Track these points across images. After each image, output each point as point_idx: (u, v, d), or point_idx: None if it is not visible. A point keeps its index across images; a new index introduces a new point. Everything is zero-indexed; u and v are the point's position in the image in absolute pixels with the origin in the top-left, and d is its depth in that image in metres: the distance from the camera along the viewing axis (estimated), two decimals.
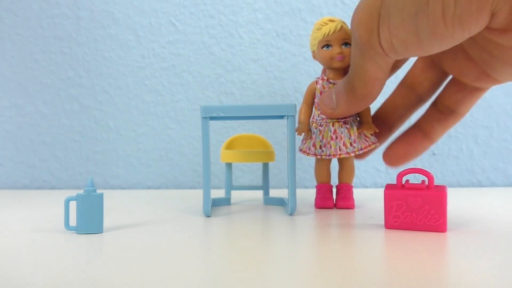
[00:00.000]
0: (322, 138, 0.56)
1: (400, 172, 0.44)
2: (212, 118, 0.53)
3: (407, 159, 0.53)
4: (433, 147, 0.80)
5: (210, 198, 0.53)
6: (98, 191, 0.45)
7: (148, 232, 0.44)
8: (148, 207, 0.60)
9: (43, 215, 0.54)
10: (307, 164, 0.81)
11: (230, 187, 0.63)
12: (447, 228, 0.43)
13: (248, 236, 0.43)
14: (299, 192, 0.66)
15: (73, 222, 0.44)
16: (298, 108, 0.60)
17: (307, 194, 0.65)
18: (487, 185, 0.80)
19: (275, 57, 0.82)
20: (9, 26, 0.86)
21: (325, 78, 0.57)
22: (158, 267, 0.32)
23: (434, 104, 0.53)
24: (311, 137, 0.57)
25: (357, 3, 0.81)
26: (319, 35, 0.56)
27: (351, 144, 0.55)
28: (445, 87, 0.51)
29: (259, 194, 0.70)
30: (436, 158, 0.81)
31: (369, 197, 0.67)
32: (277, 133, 0.82)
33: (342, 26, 0.55)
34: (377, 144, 0.56)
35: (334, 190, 0.59)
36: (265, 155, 0.60)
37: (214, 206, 0.59)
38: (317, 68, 0.81)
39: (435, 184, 0.45)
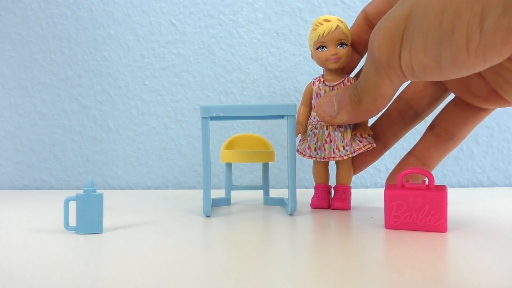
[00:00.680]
0: (317, 141, 0.56)
1: (400, 172, 0.44)
2: (212, 118, 0.53)
3: None
4: None
5: (210, 198, 0.53)
6: (98, 191, 0.45)
7: (148, 232, 0.44)
8: (148, 207, 0.59)
9: (42, 215, 0.54)
10: (307, 164, 0.81)
11: (230, 187, 0.63)
12: (448, 228, 0.43)
13: (248, 236, 0.42)
14: (299, 192, 0.66)
15: (72, 222, 0.44)
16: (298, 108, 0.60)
17: (307, 194, 0.65)
18: (487, 185, 0.80)
19: (275, 57, 0.82)
20: (9, 26, 0.86)
21: (322, 79, 0.57)
22: (158, 267, 0.32)
23: (431, 127, 0.52)
24: (307, 139, 0.58)
25: (357, 3, 0.81)
26: (314, 36, 0.55)
27: (343, 148, 0.55)
28: (445, 108, 0.50)
29: (259, 194, 0.70)
30: None
31: (369, 197, 0.66)
32: (277, 133, 0.82)
33: (338, 26, 0.54)
34: (373, 145, 0.55)
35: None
36: (265, 155, 0.60)
37: (214, 206, 0.59)
38: (317, 68, 0.81)
39: (435, 184, 0.45)
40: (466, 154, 0.80)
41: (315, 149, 0.56)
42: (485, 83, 0.43)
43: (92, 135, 0.85)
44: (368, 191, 0.75)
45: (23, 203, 0.65)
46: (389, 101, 0.45)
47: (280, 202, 0.61)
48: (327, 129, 0.56)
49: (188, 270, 0.31)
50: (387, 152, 0.81)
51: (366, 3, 0.81)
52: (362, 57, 0.58)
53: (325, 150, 0.56)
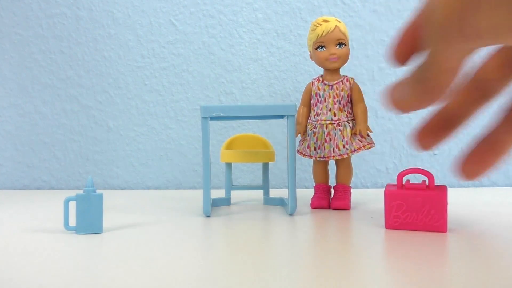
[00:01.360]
0: (317, 140, 0.56)
1: (401, 172, 0.44)
2: (212, 118, 0.53)
3: (483, 172, 0.46)
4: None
5: (210, 198, 0.53)
6: (98, 191, 0.45)
7: (148, 232, 0.44)
8: (148, 207, 0.59)
9: (42, 215, 0.54)
10: (307, 164, 0.81)
11: (230, 187, 0.63)
12: (448, 228, 0.43)
13: (248, 236, 0.42)
14: (299, 192, 0.66)
15: (72, 222, 0.44)
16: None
17: (307, 194, 0.65)
18: (487, 185, 0.80)
19: (275, 57, 0.82)
20: (9, 26, 0.86)
21: (321, 79, 0.58)
22: (158, 267, 0.32)
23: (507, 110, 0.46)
24: (306, 139, 0.58)
25: (357, 3, 0.81)
26: (313, 36, 0.56)
27: (343, 146, 0.55)
28: None
29: (259, 194, 0.70)
30: (437, 158, 0.80)
31: (369, 197, 0.66)
32: (277, 133, 0.82)
33: (336, 26, 0.55)
34: (373, 145, 0.56)
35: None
36: (265, 155, 0.60)
37: (214, 206, 0.59)
38: (317, 68, 0.81)
39: (435, 184, 0.45)
40: None
41: (315, 148, 0.56)
42: None
43: (92, 135, 0.85)
44: (368, 191, 0.75)
45: (23, 203, 0.65)
46: (454, 78, 0.41)
47: (280, 202, 0.61)
48: (326, 128, 0.56)
49: (188, 270, 0.31)
50: (387, 152, 0.81)
51: (366, 3, 0.82)
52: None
53: (324, 149, 0.56)
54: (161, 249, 0.37)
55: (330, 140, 0.55)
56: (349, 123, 0.56)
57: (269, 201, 0.62)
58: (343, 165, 0.57)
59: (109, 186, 0.85)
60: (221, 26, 0.83)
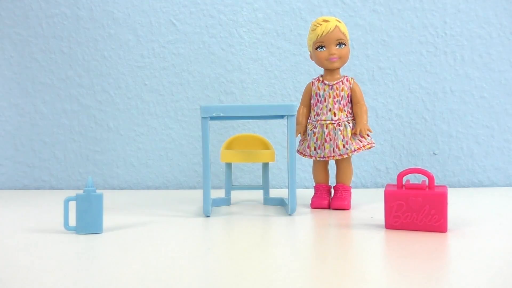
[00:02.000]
0: (317, 140, 0.56)
1: (401, 172, 0.44)
2: (212, 118, 0.53)
3: None
4: (434, 147, 0.80)
5: (210, 198, 0.53)
6: (98, 191, 0.45)
7: (148, 232, 0.44)
8: (147, 207, 0.59)
9: (42, 215, 0.54)
10: (307, 164, 0.81)
11: (230, 187, 0.63)
12: (448, 228, 0.43)
13: (248, 236, 0.42)
14: (299, 192, 0.66)
15: (72, 222, 0.44)
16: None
17: (307, 194, 0.65)
18: (488, 185, 0.80)
19: (275, 57, 0.82)
20: (9, 26, 0.86)
21: (321, 79, 0.58)
22: (158, 267, 0.32)
23: None
24: (306, 139, 0.58)
25: (357, 3, 0.81)
26: (313, 36, 0.56)
27: (344, 146, 0.55)
28: None
29: (259, 194, 0.70)
30: (437, 158, 0.80)
31: (369, 197, 0.66)
32: (277, 133, 0.82)
33: (336, 26, 0.55)
34: (373, 145, 0.56)
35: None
36: (265, 155, 0.60)
37: (214, 206, 0.59)
38: (317, 68, 0.81)
39: (435, 184, 0.45)
40: (466, 154, 0.80)
41: (315, 148, 0.56)
42: None
43: (92, 135, 0.85)
44: (368, 191, 0.75)
45: (23, 203, 0.65)
46: None
47: (280, 202, 0.61)
48: (326, 128, 0.56)
49: (188, 270, 0.31)
50: (387, 152, 0.81)
51: (366, 3, 0.82)
52: None
53: (325, 149, 0.56)
54: (161, 249, 0.37)
55: (330, 140, 0.55)
56: (349, 123, 0.56)
57: (269, 201, 0.62)
58: (343, 165, 0.57)
59: (109, 186, 0.85)
60: (221, 26, 0.83)
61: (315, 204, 0.58)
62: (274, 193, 0.69)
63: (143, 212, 0.56)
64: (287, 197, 0.55)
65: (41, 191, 0.82)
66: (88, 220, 0.43)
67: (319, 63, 0.56)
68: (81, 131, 0.85)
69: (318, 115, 0.57)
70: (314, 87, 0.58)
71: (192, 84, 0.83)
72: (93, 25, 0.84)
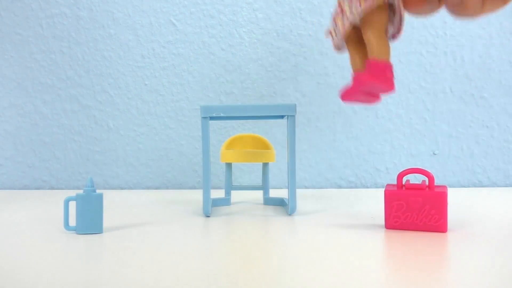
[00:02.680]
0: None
1: (401, 172, 0.44)
2: (212, 118, 0.53)
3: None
4: (434, 147, 0.80)
5: (210, 198, 0.53)
6: (98, 191, 0.45)
7: (148, 232, 0.44)
8: (147, 207, 0.59)
9: (42, 215, 0.54)
10: (307, 164, 0.81)
11: (230, 187, 0.63)
12: (448, 228, 0.43)
13: (248, 236, 0.42)
14: (299, 192, 0.66)
15: (72, 222, 0.44)
16: (298, 108, 0.60)
17: (307, 194, 0.65)
18: (487, 185, 0.80)
19: (275, 57, 0.82)
20: (9, 26, 0.86)
21: None
22: (158, 267, 0.32)
23: None
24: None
25: None
26: None
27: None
28: None
29: (259, 194, 0.70)
30: (437, 158, 0.80)
31: (369, 197, 0.66)
32: (277, 133, 0.82)
33: None
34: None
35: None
36: (265, 155, 0.60)
37: (214, 206, 0.59)
38: (317, 68, 0.81)
39: (435, 184, 0.45)
40: (466, 154, 0.80)
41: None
42: None
43: (92, 135, 0.85)
44: (368, 191, 0.75)
45: (23, 203, 0.65)
46: None
47: (280, 202, 0.61)
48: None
49: (188, 270, 0.31)
50: (387, 152, 0.81)
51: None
52: None
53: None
54: (161, 249, 0.37)
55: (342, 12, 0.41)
56: None
57: (269, 201, 0.62)
58: (369, 31, 0.41)
59: (109, 186, 0.85)
60: (221, 26, 0.83)
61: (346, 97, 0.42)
62: (274, 193, 0.69)
63: (143, 212, 0.56)
64: (287, 197, 0.55)
65: (41, 191, 0.82)
66: (88, 220, 0.43)
67: None
68: (81, 131, 0.85)
69: None
70: None
71: (192, 84, 0.83)
72: (93, 25, 0.84)
